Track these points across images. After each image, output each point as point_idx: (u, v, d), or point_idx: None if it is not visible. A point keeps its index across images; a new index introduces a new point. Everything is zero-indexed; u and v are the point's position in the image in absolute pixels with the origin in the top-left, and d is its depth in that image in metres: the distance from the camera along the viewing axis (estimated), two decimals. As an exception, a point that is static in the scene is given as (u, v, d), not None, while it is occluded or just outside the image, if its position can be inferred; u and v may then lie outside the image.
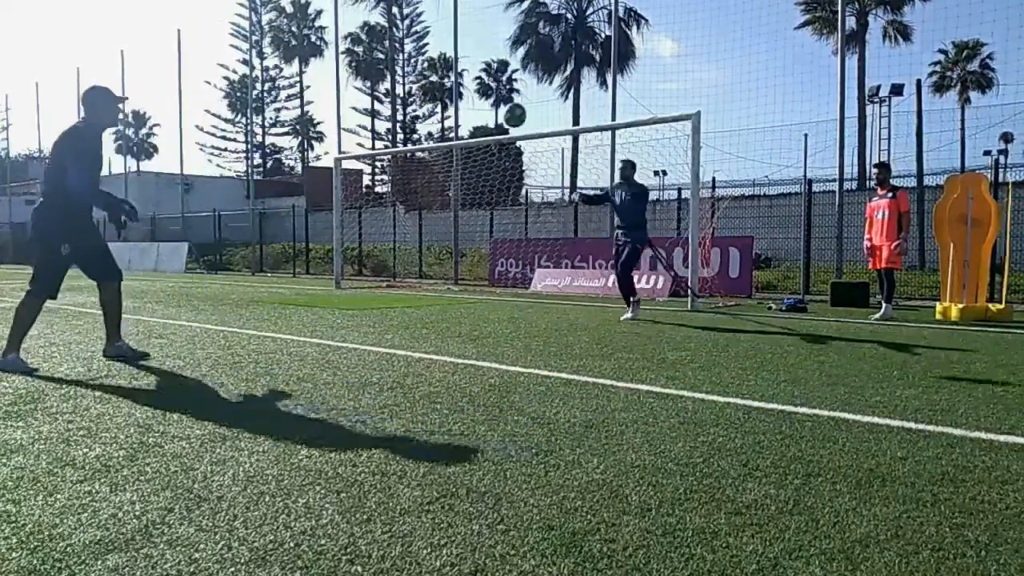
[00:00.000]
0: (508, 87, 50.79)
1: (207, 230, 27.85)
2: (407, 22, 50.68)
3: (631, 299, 8.54)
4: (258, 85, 47.95)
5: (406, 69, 51.63)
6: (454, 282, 17.84)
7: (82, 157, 4.78)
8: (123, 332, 5.38)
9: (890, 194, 8.77)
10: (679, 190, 15.32)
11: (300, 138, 54.77)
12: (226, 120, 53.24)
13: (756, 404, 3.79)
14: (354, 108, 53.15)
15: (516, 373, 4.72)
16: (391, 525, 2.13)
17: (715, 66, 43.99)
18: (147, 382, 4.34)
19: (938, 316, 8.93)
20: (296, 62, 52.41)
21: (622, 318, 8.34)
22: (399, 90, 50.64)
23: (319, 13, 51.58)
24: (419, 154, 32.83)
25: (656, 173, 17.99)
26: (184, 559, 1.90)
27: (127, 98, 4.86)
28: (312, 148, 54.92)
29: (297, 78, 53.11)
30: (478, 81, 50.50)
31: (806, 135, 19.50)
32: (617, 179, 9.19)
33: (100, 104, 4.97)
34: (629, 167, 8.78)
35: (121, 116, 5.33)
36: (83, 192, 4.81)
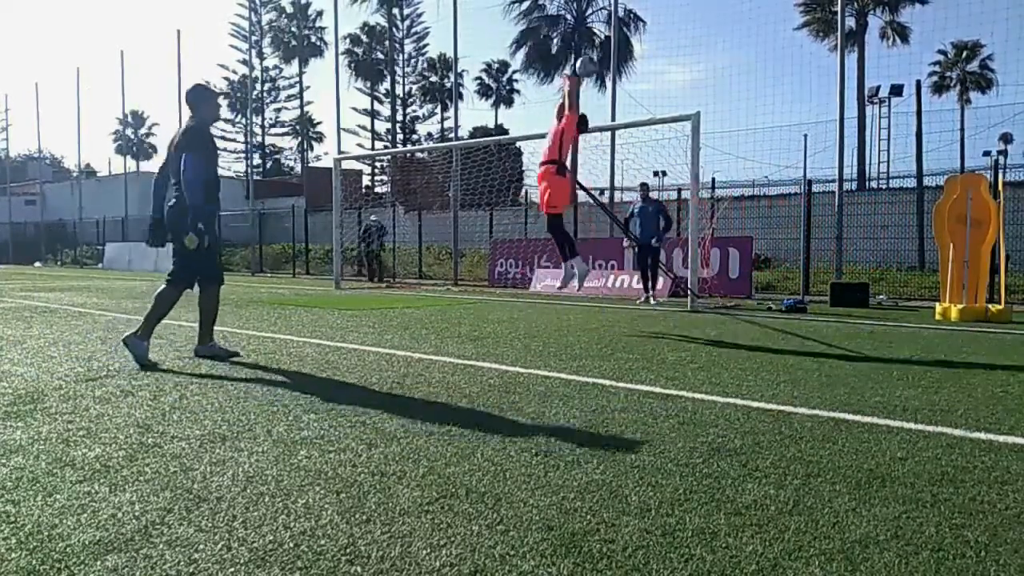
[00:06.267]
0: (508, 87, 50.80)
1: (207, 230, 27.77)
2: (407, 23, 50.62)
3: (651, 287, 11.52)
4: (258, 85, 47.84)
5: (406, 69, 51.60)
6: (454, 283, 17.84)
7: (197, 153, 5.05)
8: (120, 332, 5.37)
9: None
10: (679, 190, 15.34)
11: (300, 138, 54.71)
12: (226, 120, 52.98)
13: (756, 404, 3.79)
14: (354, 108, 53.27)
15: (516, 373, 4.72)
16: (390, 526, 2.13)
17: (715, 66, 44.01)
18: (146, 382, 4.34)
19: (938, 317, 8.93)
20: (296, 62, 52.36)
21: (642, 301, 11.42)
22: (399, 90, 50.63)
23: (319, 13, 51.57)
24: (419, 154, 32.82)
25: (656, 173, 18.01)
26: (183, 559, 1.89)
27: (222, 93, 5.12)
28: (312, 148, 54.91)
29: (297, 78, 53.05)
30: (478, 81, 50.51)
31: (806, 135, 19.58)
32: (638, 198, 11.90)
33: (205, 101, 5.23)
34: (645, 188, 11.64)
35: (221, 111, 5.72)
36: (194, 183, 5.06)
